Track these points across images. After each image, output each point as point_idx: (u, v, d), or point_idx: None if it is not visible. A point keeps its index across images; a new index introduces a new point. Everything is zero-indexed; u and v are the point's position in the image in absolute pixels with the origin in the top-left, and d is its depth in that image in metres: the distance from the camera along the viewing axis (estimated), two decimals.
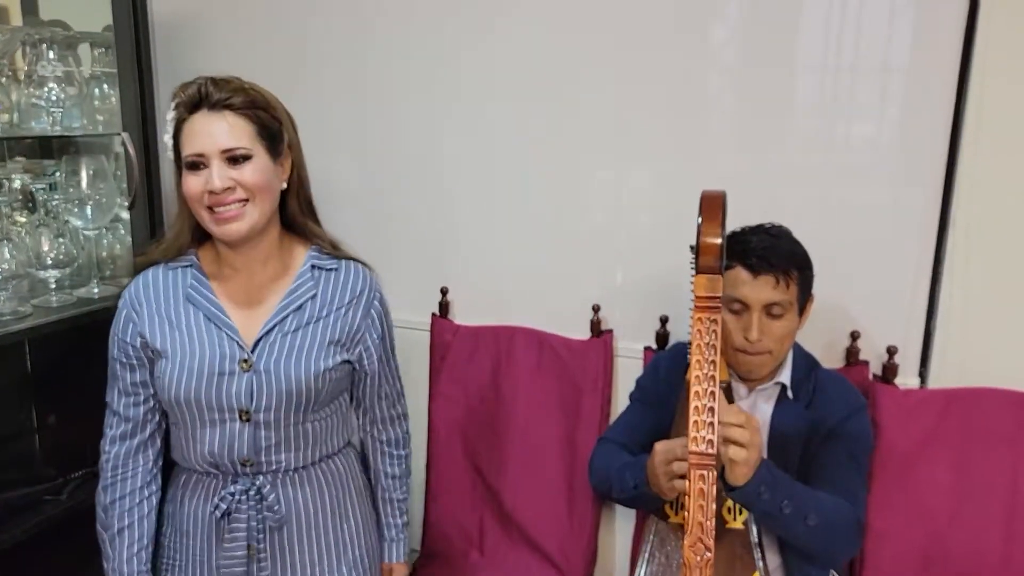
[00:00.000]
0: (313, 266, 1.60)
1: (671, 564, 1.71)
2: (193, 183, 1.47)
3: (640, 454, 1.72)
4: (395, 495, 1.79)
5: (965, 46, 1.76)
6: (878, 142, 1.87)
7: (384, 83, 2.23)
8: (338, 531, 1.66)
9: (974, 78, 1.77)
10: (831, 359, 1.91)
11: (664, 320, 2.05)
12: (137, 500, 1.60)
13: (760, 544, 1.62)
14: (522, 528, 2.13)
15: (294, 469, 1.59)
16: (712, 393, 1.33)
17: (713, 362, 1.35)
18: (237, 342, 1.53)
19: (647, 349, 2.06)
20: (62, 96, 1.98)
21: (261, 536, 1.57)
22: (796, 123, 1.91)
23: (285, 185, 1.57)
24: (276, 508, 1.57)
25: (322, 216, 1.67)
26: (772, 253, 1.62)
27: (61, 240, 2.00)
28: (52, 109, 1.97)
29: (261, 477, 1.57)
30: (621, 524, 2.14)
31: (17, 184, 2.04)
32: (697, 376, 1.34)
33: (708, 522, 1.29)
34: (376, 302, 1.65)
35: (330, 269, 1.62)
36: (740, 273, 1.63)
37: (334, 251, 1.64)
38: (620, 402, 2.10)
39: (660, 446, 1.56)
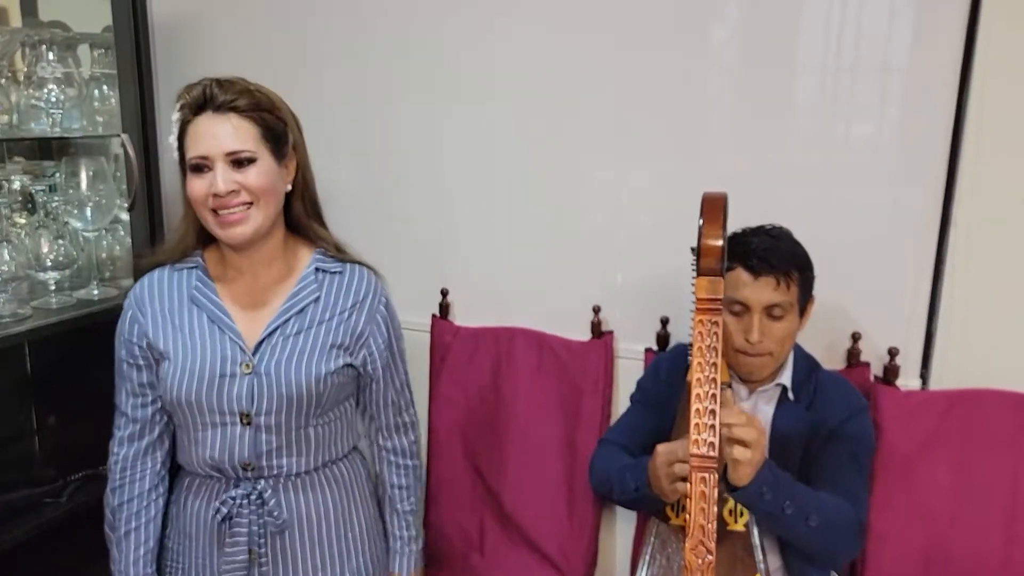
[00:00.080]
0: (317, 269, 1.60)
1: (672, 566, 1.70)
2: (197, 186, 1.47)
3: (641, 456, 1.72)
4: (401, 506, 1.75)
5: (967, 46, 1.76)
6: (878, 142, 1.87)
7: (384, 83, 2.23)
8: (342, 537, 1.65)
9: (975, 78, 1.76)
10: (832, 360, 1.91)
11: (665, 321, 2.04)
12: (145, 503, 1.61)
13: (761, 546, 1.62)
14: (522, 530, 2.12)
15: (296, 474, 1.59)
16: (713, 395, 1.33)
17: (714, 364, 1.35)
18: (239, 344, 1.53)
19: (648, 350, 2.06)
20: (62, 97, 1.97)
21: (262, 541, 1.57)
22: (796, 123, 1.91)
23: (290, 187, 1.57)
24: (277, 513, 1.56)
25: (324, 217, 1.67)
26: (773, 254, 1.62)
27: (61, 242, 2.00)
28: (52, 110, 1.97)
29: (263, 482, 1.56)
30: (622, 526, 2.14)
31: (17, 185, 2.04)
32: (698, 378, 1.34)
33: (709, 524, 1.29)
34: (382, 307, 1.64)
35: (334, 272, 1.61)
36: (741, 275, 1.63)
37: (338, 254, 1.63)
38: (621, 403, 2.09)
39: (661, 448, 1.55)
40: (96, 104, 2.14)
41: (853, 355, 1.91)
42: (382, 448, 1.74)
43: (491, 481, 2.17)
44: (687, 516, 1.30)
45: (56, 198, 2.03)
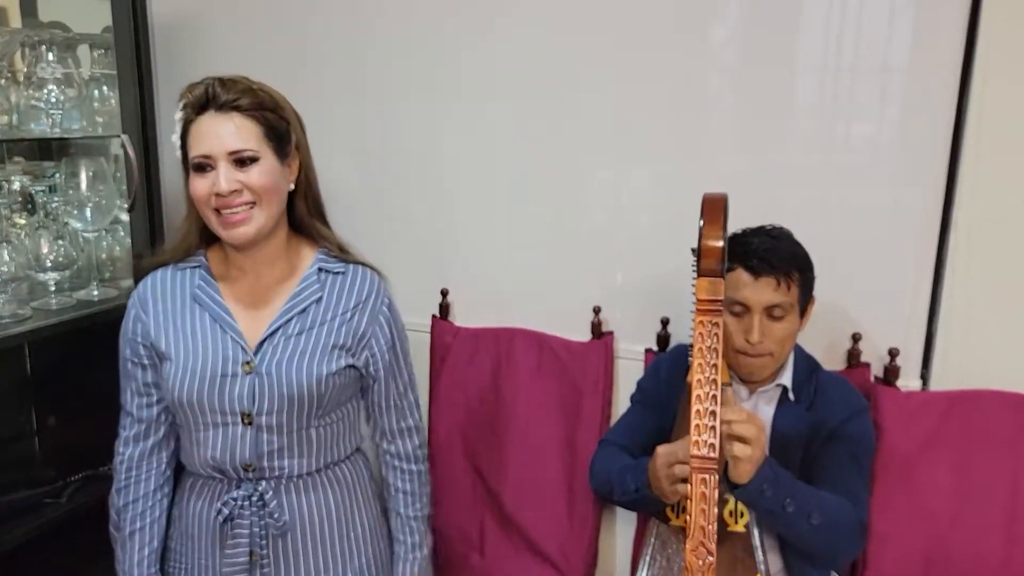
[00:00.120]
0: (320, 269, 1.60)
1: (672, 567, 1.70)
2: (200, 185, 1.47)
3: (641, 456, 1.72)
4: (405, 511, 1.72)
5: (967, 46, 1.76)
6: (879, 142, 1.87)
7: (384, 83, 2.23)
8: (344, 539, 1.65)
9: (976, 78, 1.76)
10: (832, 361, 1.91)
11: (665, 322, 2.04)
12: (150, 503, 1.61)
13: (762, 547, 1.62)
14: (522, 530, 2.12)
15: (298, 475, 1.59)
16: (714, 396, 1.33)
17: (715, 365, 1.35)
18: (241, 344, 1.53)
19: (648, 351, 2.06)
20: (61, 98, 1.97)
21: (264, 543, 1.57)
22: (796, 123, 1.91)
23: (293, 186, 1.56)
24: (278, 515, 1.56)
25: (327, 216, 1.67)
26: (773, 255, 1.62)
27: (61, 242, 1.99)
28: (51, 111, 1.97)
29: (264, 483, 1.56)
30: (622, 527, 2.14)
31: (16, 186, 2.04)
32: (699, 380, 1.34)
33: (710, 526, 1.29)
34: (384, 307, 1.63)
35: (337, 272, 1.61)
36: (741, 275, 1.63)
37: (341, 254, 1.63)
38: (621, 404, 2.09)
39: (662, 449, 1.55)
40: (96, 105, 2.14)
41: (853, 356, 1.91)
42: (385, 452, 1.72)
43: (491, 481, 2.17)
44: (687, 517, 1.30)
45: (56, 199, 2.03)
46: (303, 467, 1.59)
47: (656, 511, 1.72)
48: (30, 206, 2.07)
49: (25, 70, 1.98)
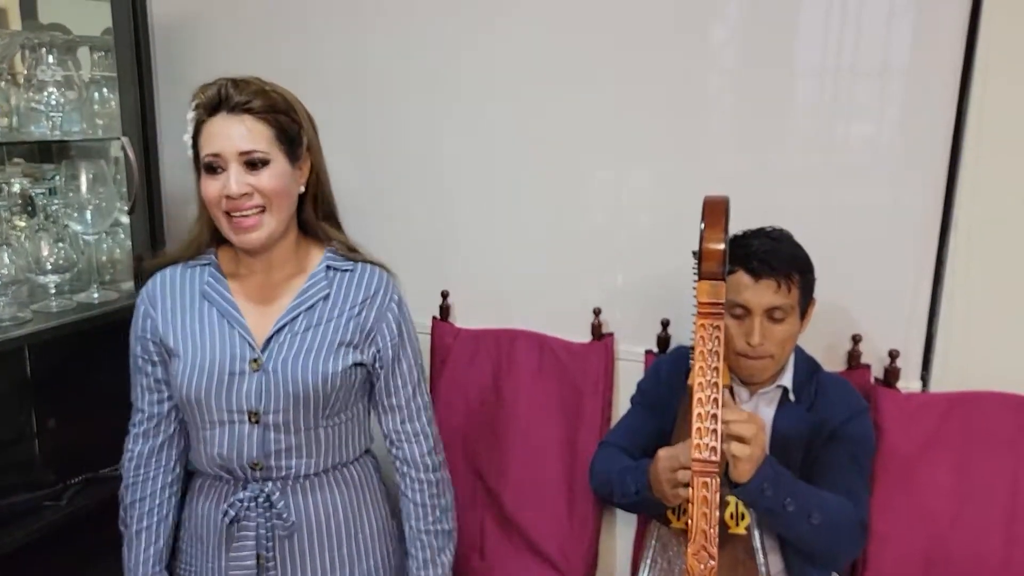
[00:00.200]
0: (328, 267, 1.59)
1: (673, 569, 1.70)
2: (211, 187, 1.47)
3: (641, 458, 1.72)
4: (417, 524, 1.66)
5: (967, 46, 1.75)
6: (879, 143, 1.87)
7: (384, 83, 2.23)
8: (351, 540, 1.64)
9: (976, 79, 1.76)
10: (832, 362, 1.91)
11: (665, 324, 2.04)
12: (157, 501, 1.61)
13: (763, 549, 1.62)
14: (523, 531, 2.12)
15: (305, 476, 1.58)
16: (715, 400, 1.33)
17: (716, 368, 1.35)
18: (248, 341, 1.52)
19: (648, 352, 2.06)
20: (61, 100, 1.97)
21: (270, 544, 1.57)
22: (796, 124, 1.91)
23: (303, 188, 1.56)
24: (286, 515, 1.56)
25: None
26: (773, 257, 1.62)
27: (61, 245, 1.99)
28: (52, 113, 1.96)
29: (271, 483, 1.56)
30: (622, 528, 2.14)
31: (16, 188, 2.04)
32: (700, 383, 1.34)
33: (712, 530, 1.29)
34: (393, 304, 1.61)
35: (345, 270, 1.60)
36: (742, 277, 1.63)
37: (349, 253, 1.63)
38: (621, 405, 2.09)
39: (663, 452, 1.55)
40: (96, 107, 2.14)
41: (854, 357, 1.91)
42: (395, 458, 1.67)
43: (491, 483, 2.17)
44: (689, 521, 1.30)
45: (56, 201, 2.03)
46: (311, 467, 1.58)
47: (657, 513, 1.72)
48: (30, 208, 2.07)
49: (25, 72, 1.97)
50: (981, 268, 1.82)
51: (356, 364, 1.57)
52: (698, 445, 1.32)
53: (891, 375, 1.87)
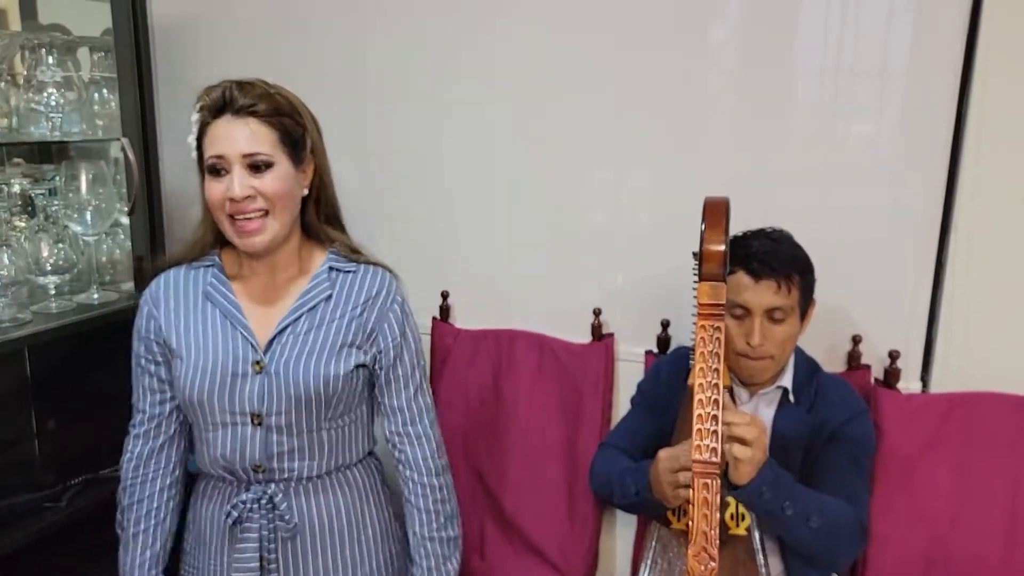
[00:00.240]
0: (331, 268, 1.59)
1: (673, 570, 1.70)
2: (215, 189, 1.47)
3: (642, 459, 1.72)
4: (421, 530, 1.63)
5: (967, 47, 1.75)
6: (879, 143, 1.87)
7: (384, 83, 2.22)
8: (354, 543, 1.64)
9: (976, 79, 1.76)
10: (833, 363, 1.91)
11: (665, 324, 2.04)
12: (155, 504, 1.61)
13: (763, 550, 1.62)
14: (523, 532, 2.12)
15: (308, 478, 1.58)
16: (715, 401, 1.33)
17: (717, 370, 1.34)
18: (251, 342, 1.52)
19: (648, 353, 2.06)
20: (61, 101, 1.96)
21: (272, 546, 1.57)
22: (796, 124, 1.91)
23: (306, 191, 1.56)
24: (288, 517, 1.56)
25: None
26: (773, 258, 1.62)
27: (61, 246, 1.99)
28: (51, 114, 1.96)
29: (273, 485, 1.56)
30: (622, 529, 2.14)
31: (16, 189, 2.04)
32: (701, 384, 1.34)
33: (712, 531, 1.29)
34: (396, 305, 1.61)
35: (348, 271, 1.60)
36: (742, 278, 1.63)
37: (352, 254, 1.62)
38: (621, 406, 2.09)
39: (664, 454, 1.55)
40: (96, 108, 2.14)
41: (854, 358, 1.91)
42: (397, 461, 1.65)
43: (491, 483, 2.17)
44: (689, 522, 1.30)
45: (56, 202, 2.03)
46: (313, 469, 1.58)
47: (657, 514, 1.72)
48: (30, 209, 2.07)
49: (25, 73, 1.97)
50: (981, 269, 1.82)
51: (359, 366, 1.57)
52: (698, 446, 1.31)
53: (891, 376, 1.87)
